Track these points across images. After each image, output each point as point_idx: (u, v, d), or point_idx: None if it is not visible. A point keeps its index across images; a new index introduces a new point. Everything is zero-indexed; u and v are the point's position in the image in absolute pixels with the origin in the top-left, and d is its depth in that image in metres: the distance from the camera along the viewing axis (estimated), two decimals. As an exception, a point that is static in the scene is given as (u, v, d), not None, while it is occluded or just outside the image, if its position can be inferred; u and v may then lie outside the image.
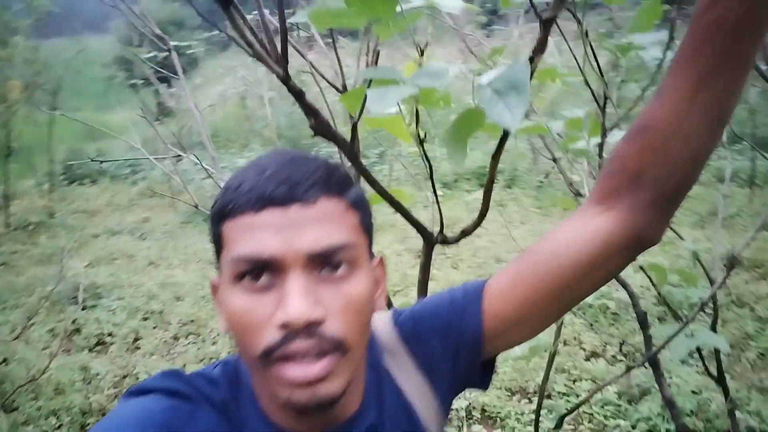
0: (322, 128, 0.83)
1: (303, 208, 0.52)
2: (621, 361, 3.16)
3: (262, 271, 0.52)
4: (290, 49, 0.80)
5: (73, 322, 3.82)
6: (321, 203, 0.53)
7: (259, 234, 0.51)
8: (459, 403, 2.75)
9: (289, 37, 0.78)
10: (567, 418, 1.70)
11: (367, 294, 0.55)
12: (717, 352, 1.44)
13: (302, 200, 0.52)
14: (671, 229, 1.03)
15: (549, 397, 2.82)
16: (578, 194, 1.32)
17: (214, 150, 1.80)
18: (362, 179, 0.93)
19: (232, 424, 0.57)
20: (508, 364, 3.04)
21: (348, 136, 0.92)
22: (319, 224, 0.52)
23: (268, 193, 0.52)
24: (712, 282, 1.28)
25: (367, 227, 0.58)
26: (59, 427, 2.79)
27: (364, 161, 0.95)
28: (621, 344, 3.25)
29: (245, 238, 0.52)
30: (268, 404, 0.59)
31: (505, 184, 6.62)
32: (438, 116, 2.75)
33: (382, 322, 0.71)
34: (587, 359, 3.19)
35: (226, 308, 0.55)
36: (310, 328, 0.50)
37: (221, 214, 0.55)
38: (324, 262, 0.52)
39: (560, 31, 1.13)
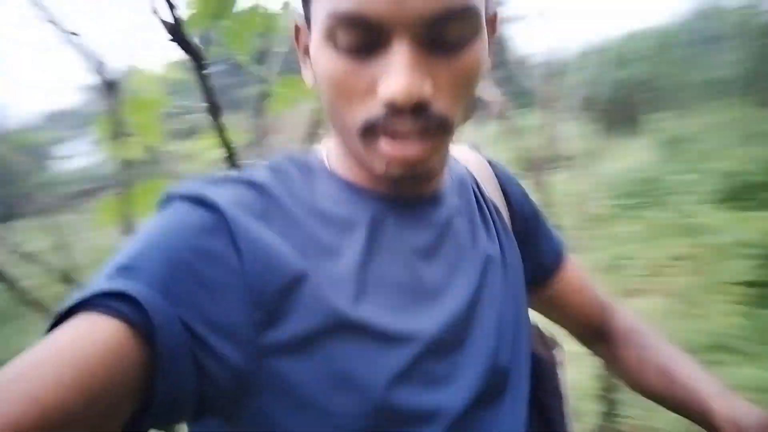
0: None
1: None
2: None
3: (361, 33, 0.44)
4: None
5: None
6: None
7: None
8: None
9: None
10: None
11: (481, 65, 0.48)
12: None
13: None
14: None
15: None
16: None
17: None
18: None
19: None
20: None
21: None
22: None
23: None
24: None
25: None
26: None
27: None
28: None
29: None
30: (358, 172, 0.55)
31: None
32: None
33: (466, 151, 0.70)
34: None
35: (318, 68, 0.49)
36: (417, 107, 0.45)
37: None
38: (440, 28, 0.44)
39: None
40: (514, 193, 0.71)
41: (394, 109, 0.45)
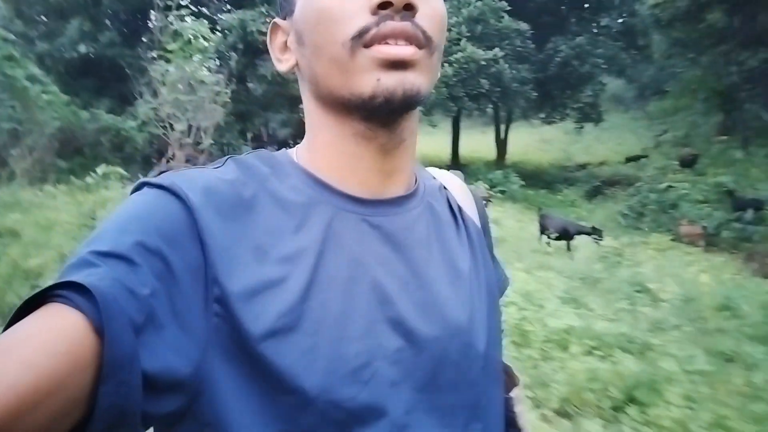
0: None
1: None
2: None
3: None
4: None
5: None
6: None
7: None
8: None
9: None
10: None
11: (445, 17, 0.57)
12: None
13: None
14: None
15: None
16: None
17: None
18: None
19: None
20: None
21: None
22: None
23: None
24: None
25: None
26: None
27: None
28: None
29: None
30: (328, 166, 0.59)
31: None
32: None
33: (451, 176, 0.75)
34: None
35: (310, 13, 0.55)
36: (406, 12, 0.52)
37: None
38: None
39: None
40: (489, 234, 0.73)
41: (387, 12, 0.51)
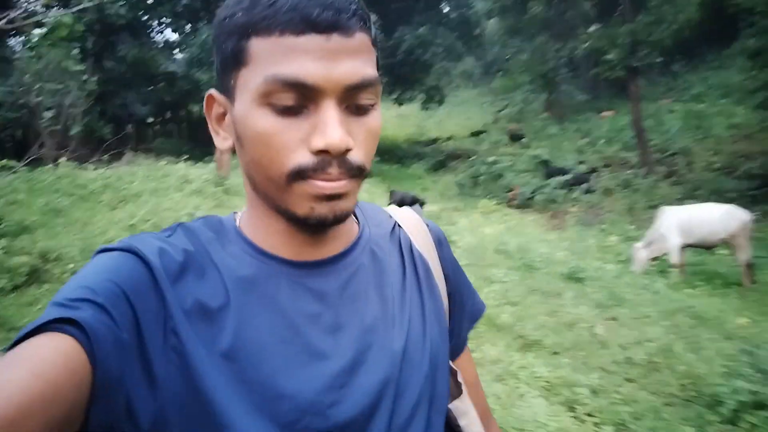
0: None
1: (342, 39, 0.53)
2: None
3: (296, 95, 0.53)
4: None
5: None
6: (357, 35, 0.54)
7: (301, 58, 0.52)
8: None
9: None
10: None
11: (380, 127, 0.59)
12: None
13: (343, 30, 0.53)
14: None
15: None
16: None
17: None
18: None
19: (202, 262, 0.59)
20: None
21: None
22: (356, 56, 0.54)
23: (313, 17, 0.51)
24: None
25: (379, 65, 0.59)
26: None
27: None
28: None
29: (286, 60, 0.52)
30: (265, 237, 0.62)
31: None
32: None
33: (406, 213, 0.77)
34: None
35: (247, 127, 0.55)
36: (343, 155, 0.54)
37: (249, 28, 0.53)
38: (355, 94, 0.55)
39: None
40: (446, 259, 0.76)
41: (325, 157, 0.54)
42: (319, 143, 0.53)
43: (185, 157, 10.28)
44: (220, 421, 0.52)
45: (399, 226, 0.73)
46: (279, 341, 0.57)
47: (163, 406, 0.51)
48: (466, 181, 16.01)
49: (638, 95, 15.34)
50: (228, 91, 0.58)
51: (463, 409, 0.73)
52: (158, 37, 18.84)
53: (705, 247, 7.42)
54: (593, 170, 15.42)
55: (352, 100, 0.56)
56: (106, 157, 9.78)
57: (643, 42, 14.64)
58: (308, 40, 0.52)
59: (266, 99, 0.54)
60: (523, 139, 19.90)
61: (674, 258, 7.13)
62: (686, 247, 7.23)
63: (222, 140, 0.62)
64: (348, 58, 0.53)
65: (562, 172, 15.14)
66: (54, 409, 0.43)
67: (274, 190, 0.57)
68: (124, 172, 8.34)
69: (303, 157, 0.54)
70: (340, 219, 0.57)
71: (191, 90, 16.77)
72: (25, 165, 7.75)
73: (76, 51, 11.00)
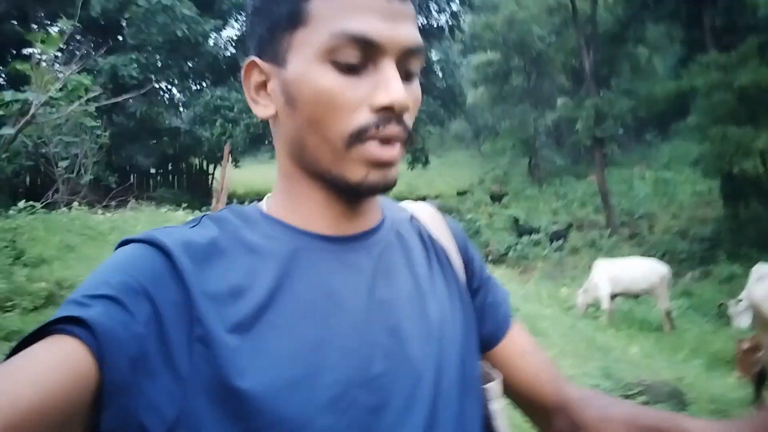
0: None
1: (401, 3, 0.56)
2: None
3: (360, 52, 0.54)
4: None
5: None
6: (409, 2, 0.57)
7: (367, 16, 0.53)
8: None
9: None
10: None
11: (420, 98, 0.59)
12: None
13: None
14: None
15: None
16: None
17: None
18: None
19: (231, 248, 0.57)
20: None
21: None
22: (411, 22, 0.57)
23: None
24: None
25: None
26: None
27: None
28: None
29: (352, 16, 0.53)
30: (300, 215, 0.61)
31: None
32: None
33: (424, 207, 0.77)
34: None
35: (308, 86, 0.55)
36: (403, 113, 0.55)
37: None
38: (409, 58, 0.56)
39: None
40: (471, 254, 0.75)
41: (386, 114, 0.54)
42: (384, 99, 0.54)
43: (185, 205, 11.36)
44: (252, 405, 0.49)
45: (414, 217, 0.73)
46: (319, 314, 0.56)
47: (190, 396, 0.49)
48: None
49: (602, 163, 16.74)
50: (277, 56, 0.58)
51: (494, 394, 0.70)
52: (165, 96, 20.30)
53: (631, 295, 8.46)
54: (565, 230, 16.57)
55: (405, 64, 0.57)
56: (113, 203, 10.90)
57: (605, 115, 16.12)
58: (373, 0, 0.54)
59: (330, 55, 0.54)
60: (503, 200, 21.15)
61: (604, 304, 8.15)
62: (615, 295, 8.26)
63: (263, 108, 0.61)
64: (405, 22, 0.56)
65: (535, 231, 16.26)
66: (54, 415, 0.42)
67: (328, 154, 0.57)
68: (129, 217, 9.38)
69: (364, 116, 0.55)
70: (388, 187, 0.58)
71: (193, 144, 18.02)
72: (42, 207, 8.81)
73: (92, 108, 12.24)
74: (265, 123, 0.64)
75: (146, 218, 9.33)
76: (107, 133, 11.79)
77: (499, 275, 13.29)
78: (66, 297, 0.50)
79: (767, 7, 13.28)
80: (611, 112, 16.03)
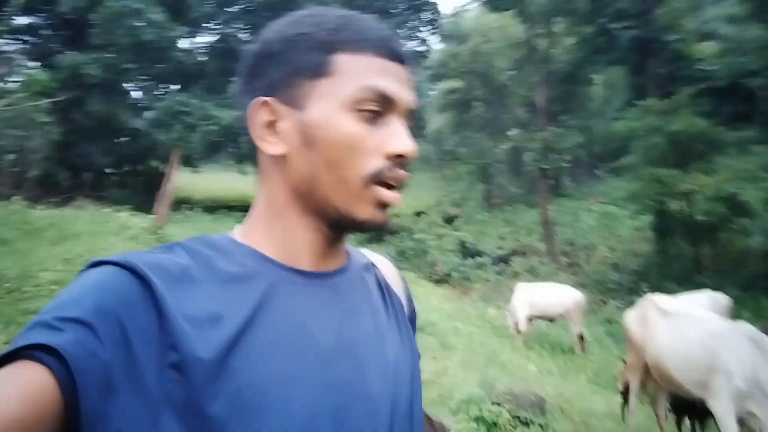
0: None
1: (407, 72, 0.66)
2: None
3: (380, 106, 0.62)
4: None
5: None
6: (411, 73, 0.67)
7: (389, 77, 0.63)
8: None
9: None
10: None
11: None
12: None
13: (408, 65, 0.66)
14: None
15: None
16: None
17: None
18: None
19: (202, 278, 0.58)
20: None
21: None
22: (411, 87, 0.66)
23: (397, 48, 0.65)
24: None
25: None
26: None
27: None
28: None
29: (379, 76, 0.63)
30: (282, 247, 0.65)
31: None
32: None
33: (382, 259, 0.83)
34: None
35: (332, 131, 0.62)
36: (407, 162, 0.64)
37: (335, 45, 0.63)
38: (408, 116, 0.66)
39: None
40: (413, 308, 0.82)
41: (396, 161, 0.63)
42: (399, 148, 0.63)
43: (129, 207, 11.41)
44: (223, 431, 0.51)
45: (374, 264, 0.78)
46: (292, 347, 0.58)
47: (161, 421, 0.50)
48: (394, 254, 17.49)
49: (547, 193, 17.48)
50: (294, 99, 0.63)
51: None
52: (127, 98, 20.27)
53: (547, 318, 8.98)
54: (509, 255, 17.18)
55: (405, 121, 0.66)
56: (57, 199, 10.91)
57: (553, 148, 16.92)
58: (393, 66, 0.64)
59: (357, 105, 0.61)
60: (454, 222, 21.73)
61: (521, 325, 8.67)
62: (532, 318, 8.76)
63: (271, 146, 0.64)
64: (409, 87, 0.66)
65: (480, 254, 16.81)
66: None
67: (342, 193, 0.63)
68: (70, 214, 9.41)
69: (378, 162, 0.62)
70: (385, 226, 0.65)
71: (150, 147, 18.04)
72: (-20, 198, 8.78)
73: (46, 103, 12.22)
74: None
75: (87, 217, 9.39)
76: (58, 130, 11.88)
77: (440, 294, 13.69)
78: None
79: (705, 59, 14.31)
80: (558, 147, 16.83)
